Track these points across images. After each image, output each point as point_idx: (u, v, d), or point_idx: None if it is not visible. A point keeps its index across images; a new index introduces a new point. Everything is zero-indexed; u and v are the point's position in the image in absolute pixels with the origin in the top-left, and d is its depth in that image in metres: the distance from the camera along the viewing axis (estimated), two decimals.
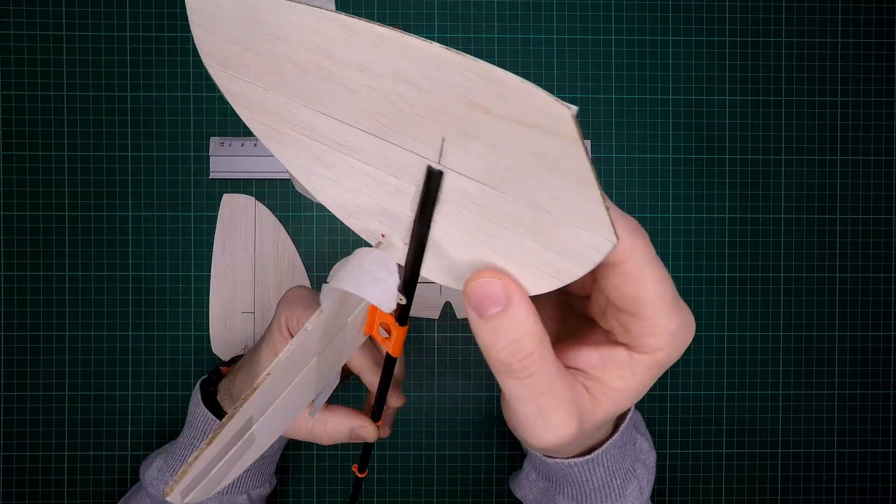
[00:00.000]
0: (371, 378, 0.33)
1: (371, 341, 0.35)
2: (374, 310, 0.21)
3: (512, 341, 0.16)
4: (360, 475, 0.34)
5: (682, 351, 0.18)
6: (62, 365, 0.51)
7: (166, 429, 0.51)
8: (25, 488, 0.50)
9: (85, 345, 0.51)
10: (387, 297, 0.17)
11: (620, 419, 0.29)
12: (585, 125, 0.52)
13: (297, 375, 0.19)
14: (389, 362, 0.24)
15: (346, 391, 0.52)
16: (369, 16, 0.52)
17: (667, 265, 0.52)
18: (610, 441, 0.27)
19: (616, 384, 0.18)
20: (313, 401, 0.22)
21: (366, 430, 0.33)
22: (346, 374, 0.38)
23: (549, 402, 0.17)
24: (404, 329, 0.21)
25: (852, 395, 0.53)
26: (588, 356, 0.19)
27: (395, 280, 0.18)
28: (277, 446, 0.41)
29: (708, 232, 0.52)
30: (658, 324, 0.17)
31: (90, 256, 0.51)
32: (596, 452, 0.27)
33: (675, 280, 0.52)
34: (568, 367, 0.19)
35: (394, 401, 0.34)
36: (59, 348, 0.51)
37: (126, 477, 0.51)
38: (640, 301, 0.17)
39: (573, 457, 0.28)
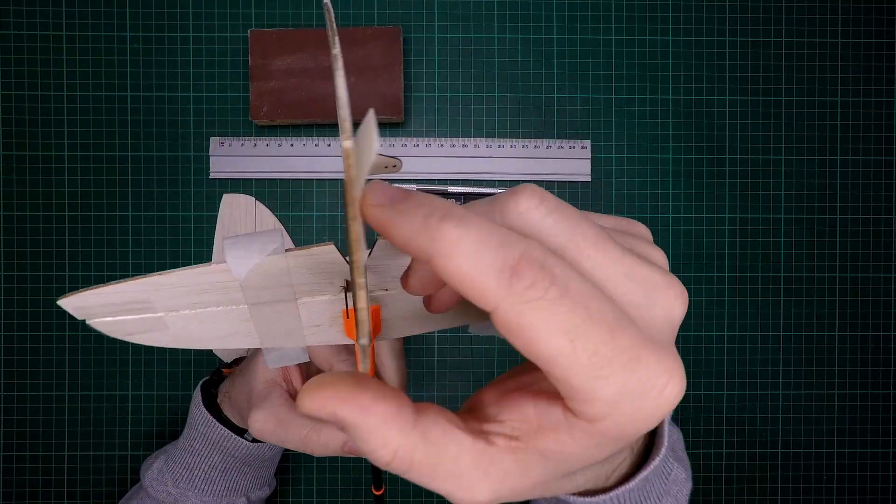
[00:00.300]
0: None
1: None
2: (350, 314, 0.21)
3: (364, 452, 0.14)
4: (377, 492, 0.34)
5: (649, 421, 0.14)
6: (62, 365, 0.51)
7: (166, 429, 0.51)
8: (25, 488, 0.50)
9: (85, 345, 0.51)
10: (240, 264, 0.18)
11: (653, 440, 0.23)
12: (585, 125, 0.52)
13: (216, 305, 0.20)
14: None
15: None
16: (369, 17, 0.52)
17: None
18: (621, 489, 0.22)
19: (551, 447, 0.14)
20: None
21: None
22: None
23: (439, 484, 0.14)
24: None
25: (852, 395, 0.53)
26: (522, 409, 0.15)
27: (254, 257, 0.19)
28: (277, 450, 0.41)
29: (708, 232, 0.52)
30: (578, 388, 0.13)
31: (90, 256, 0.51)
32: (600, 497, 0.22)
33: None
34: (491, 422, 0.15)
35: None
36: (59, 348, 0.51)
37: (126, 477, 0.51)
38: (540, 359, 0.13)
39: (574, 493, 0.22)
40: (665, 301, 0.15)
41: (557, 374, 0.13)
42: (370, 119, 0.12)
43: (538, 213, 0.15)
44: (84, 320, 0.19)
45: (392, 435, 0.14)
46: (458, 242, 0.12)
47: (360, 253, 0.11)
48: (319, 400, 0.14)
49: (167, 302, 0.19)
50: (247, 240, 0.19)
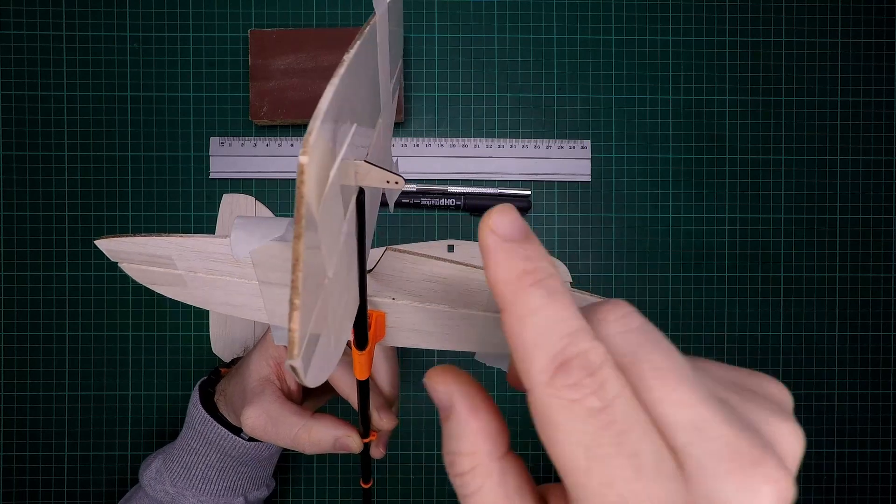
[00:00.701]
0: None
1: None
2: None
3: (449, 453, 0.14)
4: (364, 486, 0.34)
5: None
6: (62, 365, 0.51)
7: (166, 429, 0.51)
8: (25, 488, 0.50)
9: (85, 345, 0.51)
10: (240, 244, 0.19)
11: None
12: (585, 125, 0.52)
13: (230, 275, 0.21)
14: (360, 383, 0.24)
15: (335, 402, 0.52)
16: (369, 16, 0.52)
17: (667, 265, 0.52)
18: None
19: None
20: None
21: (351, 439, 0.33)
22: (331, 391, 0.38)
23: None
24: (362, 354, 0.21)
25: (852, 395, 0.53)
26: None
27: (255, 240, 0.19)
28: (274, 450, 0.41)
29: (708, 232, 0.52)
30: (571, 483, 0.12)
31: (90, 256, 0.51)
32: None
33: (675, 280, 0.52)
34: None
35: (384, 423, 0.32)
36: (59, 348, 0.51)
37: (126, 477, 0.51)
38: (555, 461, 0.12)
39: None
40: (744, 479, 0.12)
41: (567, 486, 0.12)
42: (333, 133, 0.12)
43: (615, 326, 0.14)
44: (117, 263, 0.21)
45: (481, 449, 0.14)
46: (534, 312, 0.12)
47: (298, 273, 0.11)
48: (445, 383, 0.15)
49: (187, 263, 0.21)
50: (254, 223, 0.20)
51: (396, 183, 0.15)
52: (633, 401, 0.12)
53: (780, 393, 0.16)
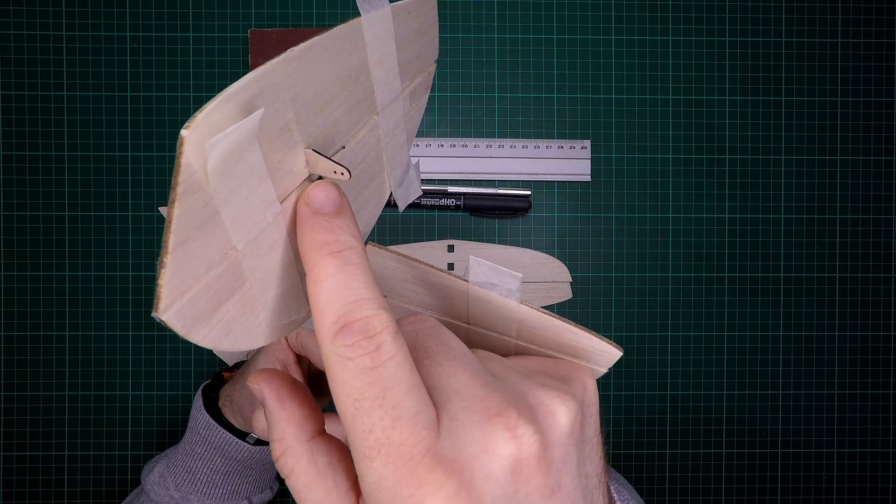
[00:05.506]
0: None
1: None
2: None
3: (270, 441, 0.16)
4: None
5: None
6: (62, 365, 0.51)
7: (166, 429, 0.51)
8: (25, 488, 0.50)
9: (85, 345, 0.51)
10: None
11: None
12: (585, 125, 0.52)
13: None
14: None
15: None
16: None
17: (667, 265, 0.52)
18: None
19: None
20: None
21: None
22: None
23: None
24: None
25: (852, 395, 0.53)
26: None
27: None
28: None
29: (708, 232, 0.52)
30: (354, 458, 0.14)
31: (90, 256, 0.51)
32: None
33: (675, 280, 0.52)
34: None
35: None
36: (59, 348, 0.51)
37: (126, 477, 0.51)
38: (338, 411, 0.14)
39: None
40: (485, 426, 0.14)
41: (347, 434, 0.14)
42: (224, 104, 0.12)
43: (407, 325, 0.16)
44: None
45: (289, 433, 0.16)
46: (326, 278, 0.14)
47: (170, 235, 0.11)
48: (257, 381, 0.16)
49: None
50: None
51: (342, 174, 0.15)
52: (405, 365, 0.14)
53: (571, 372, 0.18)
